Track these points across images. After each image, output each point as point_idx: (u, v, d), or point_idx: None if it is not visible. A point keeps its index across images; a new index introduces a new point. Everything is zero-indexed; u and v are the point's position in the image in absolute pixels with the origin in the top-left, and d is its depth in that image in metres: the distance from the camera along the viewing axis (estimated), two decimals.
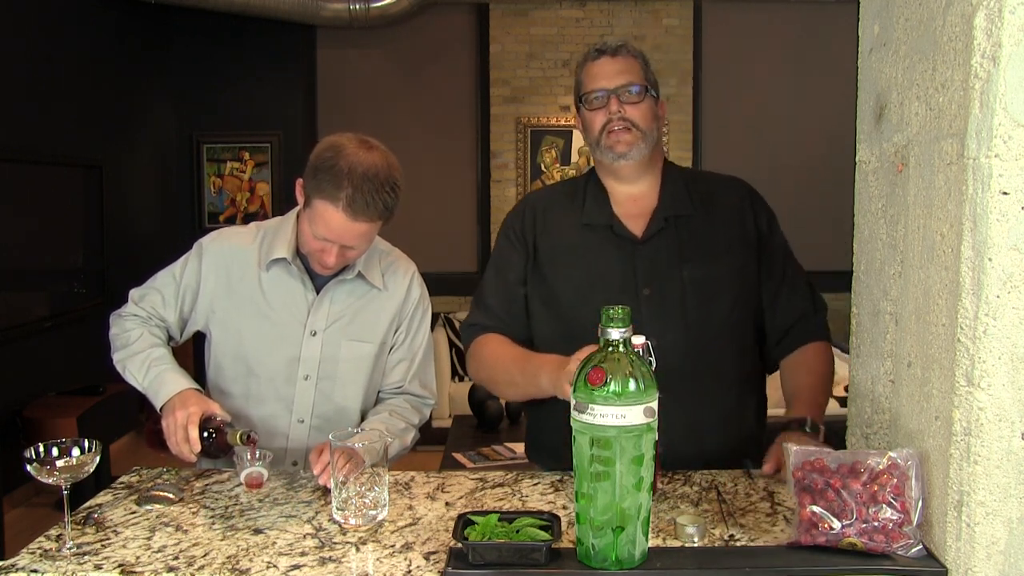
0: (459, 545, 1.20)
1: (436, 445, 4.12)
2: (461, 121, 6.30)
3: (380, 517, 1.38)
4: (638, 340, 1.30)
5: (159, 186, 5.95)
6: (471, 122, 6.29)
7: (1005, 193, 1.02)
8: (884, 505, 1.16)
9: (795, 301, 1.76)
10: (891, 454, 1.18)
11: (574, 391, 1.15)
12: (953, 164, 1.10)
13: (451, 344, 5.66)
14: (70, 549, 1.28)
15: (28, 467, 1.31)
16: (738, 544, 1.27)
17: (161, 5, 5.47)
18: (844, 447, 1.50)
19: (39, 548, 1.29)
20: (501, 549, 1.16)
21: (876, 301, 1.37)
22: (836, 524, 1.17)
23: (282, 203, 6.01)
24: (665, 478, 1.56)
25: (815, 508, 1.19)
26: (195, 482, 1.59)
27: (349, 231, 1.61)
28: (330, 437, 1.42)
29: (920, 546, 1.16)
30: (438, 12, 6.16)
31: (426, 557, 1.25)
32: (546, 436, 1.81)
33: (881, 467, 1.18)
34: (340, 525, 1.37)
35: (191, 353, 2.38)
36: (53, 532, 1.34)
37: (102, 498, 1.51)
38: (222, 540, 1.33)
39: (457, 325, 5.59)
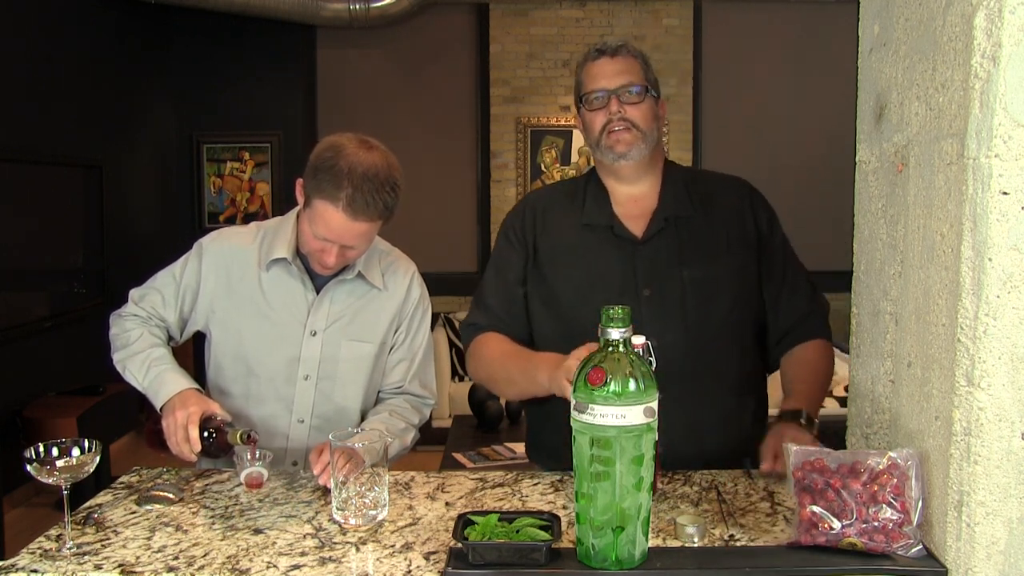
0: (459, 545, 1.20)
1: (436, 445, 4.12)
2: (461, 121, 6.30)
3: (380, 517, 1.38)
4: (638, 340, 1.30)
5: (159, 186, 5.95)
6: (471, 122, 6.30)
7: (1005, 193, 1.02)
8: (884, 505, 1.16)
9: (796, 301, 1.76)
10: (891, 454, 1.18)
11: (574, 391, 1.15)
12: (953, 164, 1.10)
13: (451, 344, 5.66)
14: (70, 549, 1.28)
15: (28, 467, 1.31)
16: (738, 544, 1.27)
17: (161, 5, 5.47)
18: (844, 447, 1.50)
19: (39, 548, 1.29)
20: (501, 549, 1.16)
21: (876, 301, 1.37)
22: (836, 524, 1.17)
23: (282, 203, 6.01)
24: (665, 478, 1.56)
25: (815, 508, 1.19)
26: (195, 482, 1.59)
27: (349, 231, 1.61)
28: (330, 437, 1.42)
29: (920, 546, 1.16)
30: (438, 12, 6.16)
31: (426, 557, 1.25)
32: (546, 436, 1.81)
33: (881, 467, 1.18)
34: (340, 525, 1.37)
35: (191, 353, 2.38)
36: (53, 532, 1.34)
37: (102, 498, 1.51)
38: (222, 540, 1.33)
39: (457, 325, 5.59)
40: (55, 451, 1.33)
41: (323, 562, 1.24)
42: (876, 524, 1.16)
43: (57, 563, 1.24)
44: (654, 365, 1.34)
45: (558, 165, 6.22)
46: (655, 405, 1.14)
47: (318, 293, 1.77)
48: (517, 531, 1.20)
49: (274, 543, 1.31)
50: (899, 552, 1.15)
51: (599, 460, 1.13)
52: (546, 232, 1.78)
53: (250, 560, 1.25)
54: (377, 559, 1.25)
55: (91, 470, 1.34)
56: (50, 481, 1.30)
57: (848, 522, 1.17)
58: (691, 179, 1.81)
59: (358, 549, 1.29)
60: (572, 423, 1.16)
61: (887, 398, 1.34)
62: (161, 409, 1.61)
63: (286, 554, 1.27)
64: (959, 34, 1.08)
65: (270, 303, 1.76)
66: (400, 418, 1.78)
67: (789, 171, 5.95)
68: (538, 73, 6.22)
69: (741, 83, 6.21)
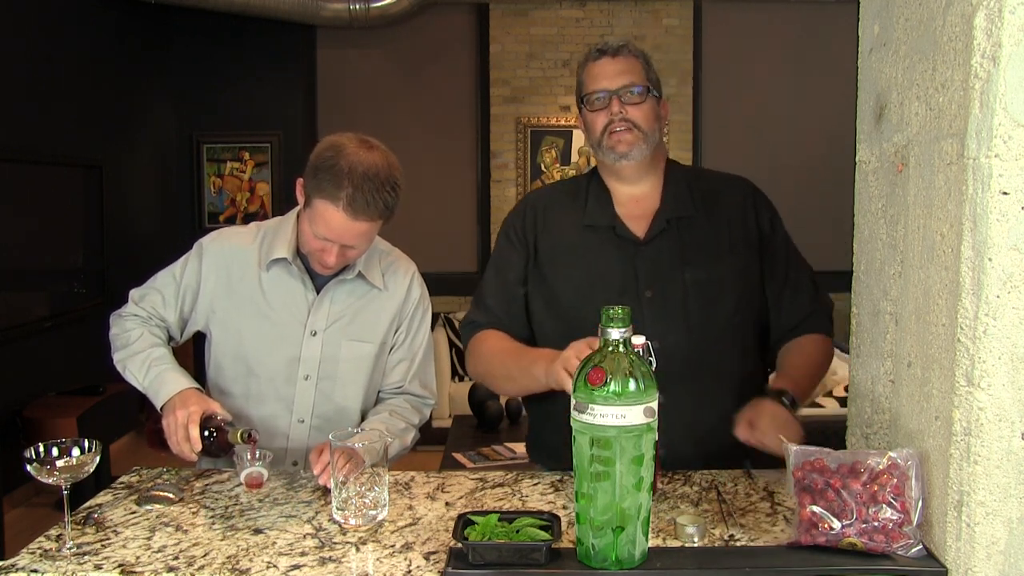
0: (459, 545, 1.19)
1: (436, 445, 4.12)
2: (461, 121, 6.30)
3: (380, 517, 1.38)
4: (638, 340, 1.30)
5: (159, 186, 5.95)
6: (471, 122, 6.30)
7: (1005, 193, 1.02)
8: (884, 505, 1.16)
9: (799, 300, 1.76)
10: (891, 454, 1.18)
11: (574, 391, 1.15)
12: (953, 164, 1.10)
13: (451, 344, 5.66)
14: (70, 549, 1.28)
15: (28, 467, 1.31)
16: (738, 544, 1.27)
17: (161, 5, 5.47)
18: (844, 447, 1.50)
19: (39, 548, 1.29)
20: (501, 549, 1.16)
21: (876, 301, 1.37)
22: (836, 524, 1.17)
23: (282, 203, 6.01)
24: (665, 478, 1.56)
25: (815, 508, 1.19)
26: (195, 482, 1.59)
27: (349, 230, 1.61)
28: (330, 437, 1.42)
29: (920, 546, 1.16)
30: (438, 12, 6.16)
31: (426, 557, 1.25)
32: (546, 435, 1.81)
33: (881, 467, 1.18)
34: (340, 525, 1.37)
35: (191, 353, 2.38)
36: (53, 532, 1.34)
37: (102, 498, 1.51)
38: (222, 540, 1.33)
39: (457, 325, 5.58)
40: (55, 451, 1.33)
41: (323, 562, 1.24)
42: (876, 524, 1.16)
43: (57, 563, 1.24)
44: (654, 365, 1.34)
45: (558, 165, 6.22)
46: (655, 405, 1.14)
47: (318, 293, 1.77)
48: (517, 531, 1.20)
49: (274, 543, 1.31)
50: (899, 552, 1.15)
51: (599, 460, 1.13)
52: (547, 232, 1.78)
53: (250, 560, 1.25)
54: (377, 559, 1.25)
55: (91, 470, 1.34)
56: (50, 481, 1.30)
57: (848, 522, 1.17)
58: (693, 178, 1.81)
59: (358, 549, 1.29)
60: (572, 423, 1.16)
61: (887, 398, 1.34)
62: (161, 409, 1.61)
63: (286, 554, 1.27)
64: (959, 34, 1.08)
65: (270, 303, 1.76)
66: (400, 418, 1.78)
67: (789, 171, 5.95)
68: (538, 73, 6.22)
69: (741, 83, 6.21)
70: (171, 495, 1.50)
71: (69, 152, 4.79)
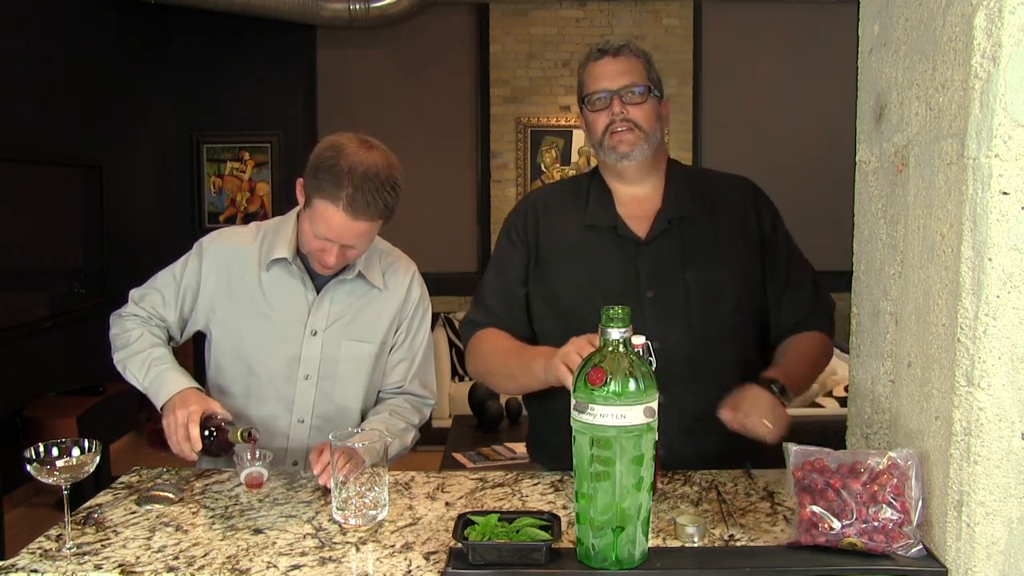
0: (459, 545, 1.20)
1: (436, 445, 4.12)
2: (461, 121, 6.30)
3: (380, 517, 1.38)
4: (638, 340, 1.30)
5: (159, 186, 5.95)
6: (471, 122, 6.30)
7: (1005, 193, 1.02)
8: (884, 505, 1.16)
9: (800, 300, 1.76)
10: (891, 454, 1.18)
11: (574, 391, 1.15)
12: (953, 164, 1.10)
13: (451, 344, 5.66)
14: (70, 549, 1.28)
15: (28, 467, 1.31)
16: (738, 544, 1.27)
17: (161, 5, 5.47)
18: (844, 447, 1.50)
19: (39, 548, 1.29)
20: (501, 549, 1.16)
21: (876, 301, 1.37)
22: (836, 524, 1.17)
23: (282, 203, 6.01)
24: (665, 478, 1.56)
25: (815, 508, 1.19)
26: (195, 482, 1.59)
27: (349, 230, 1.61)
28: (330, 437, 1.42)
29: (920, 546, 1.16)
30: (438, 12, 6.16)
31: (426, 557, 1.25)
32: (546, 435, 1.81)
33: (881, 467, 1.18)
34: (340, 525, 1.37)
35: (191, 353, 2.38)
36: (53, 532, 1.34)
37: (102, 498, 1.51)
38: (222, 540, 1.33)
39: (457, 325, 5.58)
40: (55, 451, 1.33)
41: (323, 562, 1.24)
42: (876, 524, 1.16)
43: (57, 563, 1.24)
44: (654, 365, 1.34)
45: (558, 165, 6.22)
46: (655, 405, 1.14)
47: (318, 293, 1.77)
48: (517, 531, 1.20)
49: (274, 543, 1.31)
50: (899, 552, 1.15)
51: (599, 460, 1.13)
52: (548, 232, 1.78)
53: (250, 560, 1.25)
54: (377, 559, 1.26)
55: (91, 470, 1.34)
56: (50, 481, 1.30)
57: (848, 522, 1.17)
58: (694, 178, 1.81)
59: (358, 549, 1.29)
60: (572, 423, 1.16)
61: (887, 398, 1.34)
62: (162, 408, 1.61)
63: (286, 554, 1.27)
64: (959, 34, 1.08)
65: (270, 303, 1.76)
66: (400, 418, 1.78)
67: (789, 171, 5.95)
68: (538, 73, 6.22)
69: (741, 83, 6.21)
70: (171, 495, 1.50)
71: (69, 152, 4.79)
